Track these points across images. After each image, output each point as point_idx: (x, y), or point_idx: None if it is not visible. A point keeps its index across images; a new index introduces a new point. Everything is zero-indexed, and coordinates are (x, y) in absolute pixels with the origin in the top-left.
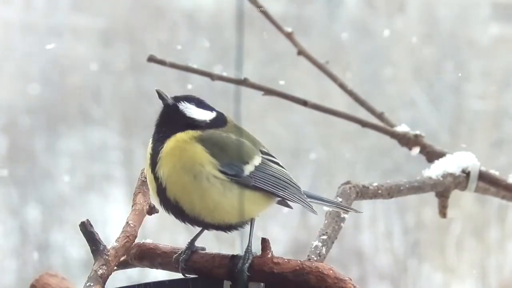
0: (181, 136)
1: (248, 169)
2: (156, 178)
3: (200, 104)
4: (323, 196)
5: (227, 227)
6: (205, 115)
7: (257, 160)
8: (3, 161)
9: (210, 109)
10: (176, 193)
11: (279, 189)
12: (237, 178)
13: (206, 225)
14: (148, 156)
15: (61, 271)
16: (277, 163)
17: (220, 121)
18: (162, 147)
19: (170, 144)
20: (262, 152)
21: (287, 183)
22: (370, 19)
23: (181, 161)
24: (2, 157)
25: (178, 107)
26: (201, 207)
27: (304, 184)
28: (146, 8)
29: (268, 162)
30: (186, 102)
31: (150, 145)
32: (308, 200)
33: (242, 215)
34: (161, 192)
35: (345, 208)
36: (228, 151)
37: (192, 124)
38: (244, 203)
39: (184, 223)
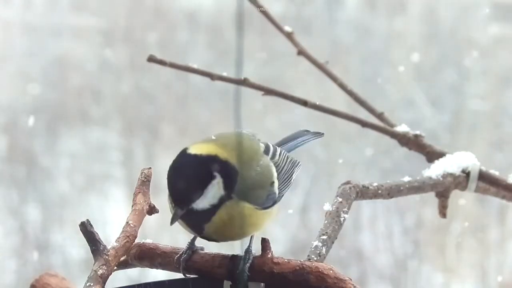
0: (222, 209)
1: (276, 186)
2: (205, 237)
3: (201, 183)
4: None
5: None
6: (215, 188)
7: (274, 171)
8: (3, 161)
9: (209, 172)
10: (226, 239)
11: (291, 179)
12: (275, 204)
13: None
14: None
15: (61, 271)
16: (273, 153)
17: (224, 165)
18: (210, 225)
19: (217, 218)
20: (266, 153)
21: (289, 163)
22: (370, 19)
23: (238, 225)
24: (2, 157)
25: (193, 209)
26: (246, 235)
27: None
28: (146, 8)
29: (273, 161)
30: (194, 201)
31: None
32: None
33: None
34: (207, 239)
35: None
36: (264, 188)
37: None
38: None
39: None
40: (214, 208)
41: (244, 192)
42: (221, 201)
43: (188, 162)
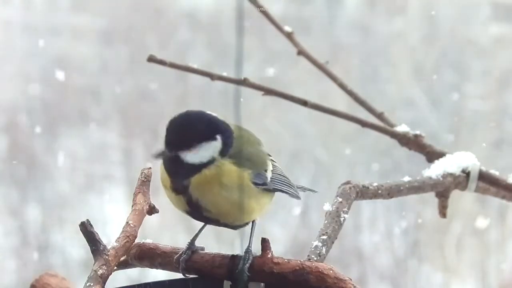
0: (212, 167)
1: (269, 175)
2: (193, 204)
3: (193, 139)
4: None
5: (240, 226)
6: (211, 148)
7: (270, 164)
8: (3, 161)
9: (207, 137)
10: (220, 213)
11: (289, 187)
12: (265, 186)
13: (222, 225)
14: (170, 188)
15: (61, 271)
16: (273, 160)
17: (228, 133)
18: (192, 179)
19: (202, 176)
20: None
21: (287, 179)
22: (370, 19)
23: (224, 184)
24: (2, 157)
25: (179, 158)
26: (237, 217)
27: (304, 184)
28: (146, 8)
29: (274, 163)
30: (185, 150)
31: (165, 175)
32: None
33: (260, 215)
34: (198, 213)
35: (308, 190)
36: (255, 163)
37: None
38: (266, 207)
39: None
40: (199, 166)
41: (238, 157)
42: (209, 162)
43: (200, 114)
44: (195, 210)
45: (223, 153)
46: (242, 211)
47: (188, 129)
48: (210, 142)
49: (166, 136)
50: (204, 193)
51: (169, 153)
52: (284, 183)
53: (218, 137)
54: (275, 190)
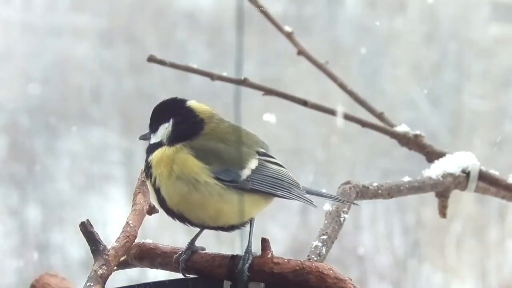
0: (169, 147)
1: (245, 173)
2: (156, 191)
3: (156, 121)
4: (323, 191)
5: (229, 228)
6: (163, 130)
7: (253, 163)
8: (3, 161)
9: (164, 119)
10: (177, 204)
11: (277, 189)
12: (234, 184)
13: (210, 227)
14: (144, 168)
15: (61, 271)
16: (275, 163)
17: (183, 121)
18: (151, 158)
19: (158, 154)
20: (259, 153)
21: (285, 181)
22: (370, 19)
23: (175, 172)
24: (2, 157)
25: (150, 139)
26: (204, 215)
27: (304, 184)
28: (146, 8)
29: (265, 163)
30: (151, 133)
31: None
32: (308, 196)
33: (243, 217)
34: (163, 203)
35: (344, 201)
36: (222, 158)
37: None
38: (244, 206)
39: (190, 226)
40: (156, 146)
41: (200, 150)
42: (160, 144)
43: (168, 100)
44: (161, 202)
45: (176, 135)
46: (202, 208)
47: (153, 115)
48: (163, 124)
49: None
50: (160, 177)
51: (149, 137)
52: (267, 184)
53: (171, 119)
54: (253, 189)
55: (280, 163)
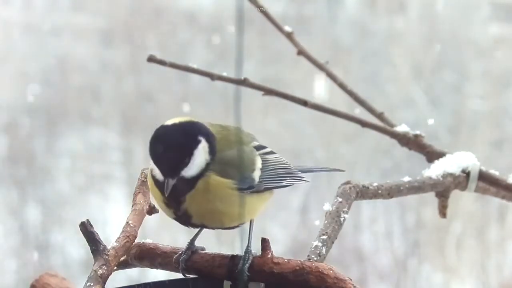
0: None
1: (257, 175)
2: (181, 215)
3: (188, 148)
4: (312, 167)
5: (233, 227)
6: (202, 152)
7: (259, 162)
8: (3, 161)
9: (194, 143)
10: (202, 219)
11: (282, 180)
12: (252, 189)
13: (214, 228)
14: (162, 202)
15: (61, 271)
16: (270, 152)
17: (205, 130)
18: (187, 196)
19: (197, 190)
20: (257, 148)
21: (284, 168)
22: (370, 19)
23: (212, 200)
24: (2, 157)
25: (183, 177)
26: (225, 222)
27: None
28: (146, 8)
29: (265, 156)
30: (184, 167)
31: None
32: (301, 174)
33: (254, 215)
34: (186, 221)
35: (332, 170)
36: (238, 167)
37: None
38: (256, 206)
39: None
40: (195, 178)
41: (219, 165)
42: (207, 167)
43: (170, 130)
44: (184, 219)
45: (211, 151)
46: (231, 219)
47: (175, 150)
48: (198, 146)
49: (159, 166)
50: (195, 208)
51: (173, 181)
52: (275, 179)
53: (201, 138)
54: (266, 189)
55: (271, 149)
